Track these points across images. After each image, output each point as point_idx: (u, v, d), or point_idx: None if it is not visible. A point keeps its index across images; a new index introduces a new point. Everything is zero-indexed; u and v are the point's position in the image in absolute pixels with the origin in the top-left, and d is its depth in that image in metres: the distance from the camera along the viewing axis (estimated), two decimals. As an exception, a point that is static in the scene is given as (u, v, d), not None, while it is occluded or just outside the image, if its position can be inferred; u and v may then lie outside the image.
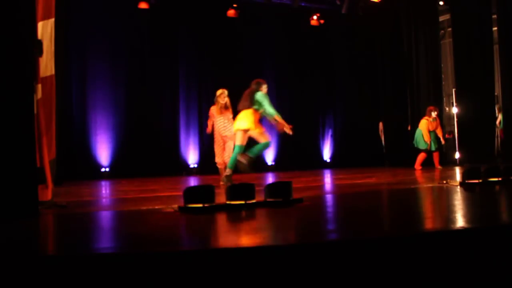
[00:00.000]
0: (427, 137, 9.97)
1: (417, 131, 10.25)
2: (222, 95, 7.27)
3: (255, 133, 6.67)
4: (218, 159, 7.36)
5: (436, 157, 10.18)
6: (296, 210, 3.93)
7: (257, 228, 3.29)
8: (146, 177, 9.54)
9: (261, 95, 6.79)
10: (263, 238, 2.89)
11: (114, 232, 3.33)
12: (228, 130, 7.24)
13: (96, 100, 10.36)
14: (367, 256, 2.39)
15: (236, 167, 6.57)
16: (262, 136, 6.67)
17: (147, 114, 10.73)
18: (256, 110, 6.73)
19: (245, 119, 6.67)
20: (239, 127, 6.68)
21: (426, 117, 10.12)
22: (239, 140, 6.65)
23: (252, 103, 6.74)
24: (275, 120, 6.64)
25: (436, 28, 12.13)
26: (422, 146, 10.07)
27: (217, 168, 10.84)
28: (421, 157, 10.09)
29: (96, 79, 10.36)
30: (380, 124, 12.85)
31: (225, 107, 7.23)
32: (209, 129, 7.58)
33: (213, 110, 7.48)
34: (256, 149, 6.61)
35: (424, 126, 10.04)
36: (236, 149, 6.66)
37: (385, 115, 12.66)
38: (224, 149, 7.31)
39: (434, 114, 10.09)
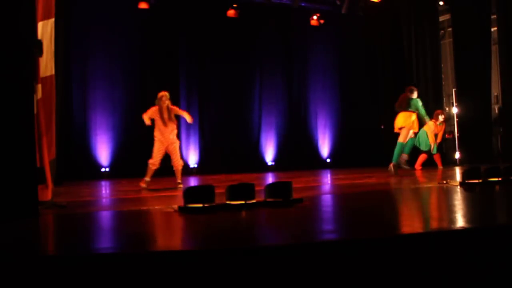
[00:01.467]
0: (432, 140, 9.94)
1: (421, 132, 10.22)
2: (163, 97, 6.94)
3: (406, 131, 8.26)
4: (154, 161, 6.93)
5: (438, 158, 10.16)
6: (296, 210, 3.93)
7: (257, 228, 3.29)
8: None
9: (415, 100, 8.37)
10: (263, 238, 2.89)
11: (114, 232, 3.33)
12: (175, 134, 6.98)
13: (96, 100, 10.35)
14: (367, 256, 2.39)
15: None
16: (407, 137, 8.31)
17: (147, 114, 10.72)
18: (412, 112, 8.30)
19: (405, 120, 8.22)
20: (400, 126, 8.27)
21: (433, 120, 10.09)
22: (402, 138, 8.23)
23: (409, 106, 8.31)
24: (425, 119, 8.57)
25: (436, 28, 12.12)
26: (424, 147, 10.04)
27: (215, 168, 10.92)
28: (421, 158, 10.08)
29: (96, 79, 10.35)
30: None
31: (168, 112, 6.87)
32: (147, 122, 7.01)
33: (154, 113, 6.98)
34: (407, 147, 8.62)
35: (430, 128, 10.00)
36: (399, 146, 8.21)
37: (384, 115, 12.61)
38: (172, 154, 6.99)
39: (441, 118, 10.08)
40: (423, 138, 10.12)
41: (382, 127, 11.75)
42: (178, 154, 7.12)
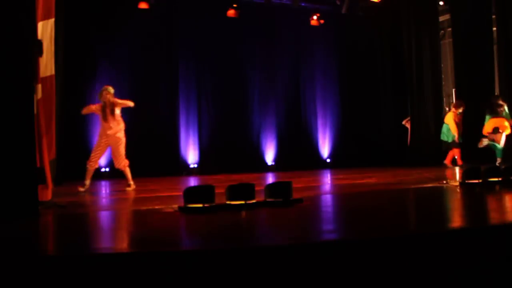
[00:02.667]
0: (454, 129, 9.78)
1: (444, 126, 10.07)
2: (103, 92, 6.68)
3: (503, 136, 9.36)
4: (92, 162, 6.62)
5: (458, 153, 10.00)
6: (296, 210, 3.93)
7: (257, 228, 3.30)
8: (146, 177, 9.53)
9: (506, 108, 9.44)
10: (263, 238, 2.89)
11: (114, 232, 3.34)
12: (119, 131, 6.64)
13: (96, 100, 10.32)
14: (367, 256, 2.39)
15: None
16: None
17: (147, 114, 10.70)
18: (503, 118, 9.36)
19: (499, 125, 9.26)
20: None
21: (452, 110, 9.94)
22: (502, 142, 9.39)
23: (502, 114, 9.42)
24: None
25: (436, 28, 12.11)
26: (451, 138, 9.88)
27: (216, 168, 10.92)
28: (452, 153, 9.92)
29: (96, 79, 10.34)
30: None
31: (111, 109, 6.61)
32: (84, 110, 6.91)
33: (97, 109, 6.78)
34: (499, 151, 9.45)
35: (451, 118, 9.86)
36: (500, 149, 9.35)
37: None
38: (113, 154, 6.71)
39: (461, 109, 9.95)
40: (448, 131, 9.97)
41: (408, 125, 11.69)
42: (122, 154, 6.71)
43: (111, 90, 6.75)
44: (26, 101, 3.87)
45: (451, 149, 10.02)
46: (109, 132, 6.58)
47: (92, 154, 6.66)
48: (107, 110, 6.61)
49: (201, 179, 9.20)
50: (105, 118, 6.61)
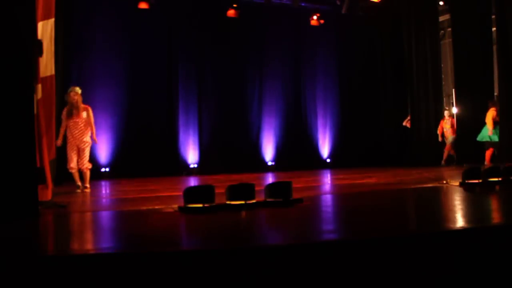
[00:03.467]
0: (490, 126, 9.61)
1: (485, 127, 9.94)
2: (71, 93, 6.61)
3: None
4: (72, 164, 6.62)
5: (489, 153, 9.90)
6: (296, 210, 3.93)
7: (257, 228, 3.30)
8: (146, 177, 9.53)
9: None
10: (263, 238, 2.89)
11: (114, 232, 3.34)
12: (86, 135, 6.63)
13: (96, 100, 10.32)
14: (367, 256, 2.39)
15: None
16: None
17: (147, 114, 10.72)
18: None
19: None
20: None
21: (492, 108, 9.78)
22: None
23: None
24: None
25: (436, 28, 12.12)
26: (495, 138, 9.76)
27: (215, 168, 10.93)
28: (489, 152, 9.82)
29: (96, 79, 10.33)
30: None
31: (75, 108, 6.54)
32: (59, 141, 6.56)
33: (64, 112, 6.71)
34: None
35: (490, 116, 9.66)
36: None
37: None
38: (78, 154, 6.64)
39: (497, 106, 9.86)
40: (486, 132, 9.84)
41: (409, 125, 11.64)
42: (87, 156, 6.71)
43: (79, 90, 6.73)
44: (26, 101, 3.87)
45: (487, 148, 9.86)
46: (75, 134, 6.60)
47: (68, 158, 6.68)
48: (74, 111, 6.60)
49: (201, 179, 9.20)
50: (70, 118, 6.59)
